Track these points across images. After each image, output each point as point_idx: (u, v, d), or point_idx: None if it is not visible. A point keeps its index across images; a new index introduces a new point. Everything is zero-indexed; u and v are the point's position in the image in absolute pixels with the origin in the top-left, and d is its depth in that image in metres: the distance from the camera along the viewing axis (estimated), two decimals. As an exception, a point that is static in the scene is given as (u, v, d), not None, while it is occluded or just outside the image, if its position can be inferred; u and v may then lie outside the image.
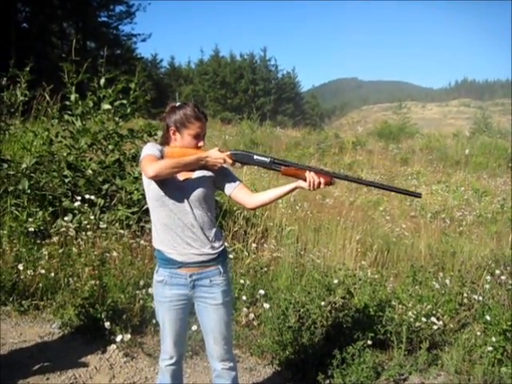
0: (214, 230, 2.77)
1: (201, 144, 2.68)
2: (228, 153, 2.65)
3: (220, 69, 57.63)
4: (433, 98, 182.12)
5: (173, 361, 2.90)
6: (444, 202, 10.41)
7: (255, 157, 2.67)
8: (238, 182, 2.77)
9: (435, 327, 4.43)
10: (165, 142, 2.78)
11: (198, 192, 2.66)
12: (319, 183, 2.57)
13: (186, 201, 2.65)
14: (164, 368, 2.92)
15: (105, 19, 39.89)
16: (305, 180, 2.59)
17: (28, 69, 7.48)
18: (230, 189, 2.76)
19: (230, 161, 2.63)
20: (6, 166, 6.07)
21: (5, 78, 7.58)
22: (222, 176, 2.75)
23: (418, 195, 2.85)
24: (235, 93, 56.43)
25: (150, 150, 2.63)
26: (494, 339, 4.24)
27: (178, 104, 2.74)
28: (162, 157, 2.61)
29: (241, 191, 2.75)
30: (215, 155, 2.60)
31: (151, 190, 2.66)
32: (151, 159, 2.53)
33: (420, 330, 4.38)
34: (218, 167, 2.67)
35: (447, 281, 5.20)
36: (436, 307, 4.75)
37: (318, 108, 78.31)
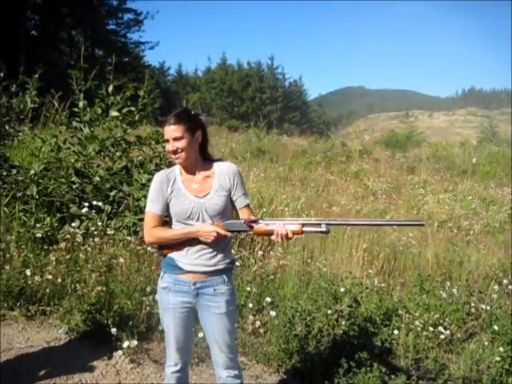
0: (228, 242, 2.82)
1: (169, 148, 2.67)
2: (220, 224, 2.68)
3: (227, 77, 57.81)
4: (440, 107, 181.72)
5: (178, 367, 2.90)
6: (451, 211, 10.36)
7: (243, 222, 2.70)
8: (246, 203, 2.82)
9: (442, 336, 4.41)
10: None
11: (217, 206, 2.70)
12: (287, 235, 2.60)
13: (203, 217, 2.69)
14: (169, 375, 2.92)
15: (113, 27, 40.20)
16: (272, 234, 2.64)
17: (37, 76, 7.56)
18: (238, 206, 2.81)
19: (223, 233, 2.65)
20: (14, 171, 6.11)
21: (14, 85, 7.64)
22: (237, 189, 2.78)
23: (421, 224, 2.83)
24: (242, 101, 56.57)
25: (150, 203, 2.76)
26: (501, 349, 4.22)
27: None
28: (166, 202, 2.72)
29: (244, 213, 2.81)
30: (206, 230, 2.64)
31: (170, 207, 2.73)
32: (149, 223, 2.74)
33: (427, 340, 4.36)
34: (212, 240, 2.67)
35: (454, 290, 5.18)
36: (443, 316, 4.73)
37: (325, 116, 78.37)
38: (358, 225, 2.90)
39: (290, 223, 2.63)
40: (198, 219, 2.69)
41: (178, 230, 2.70)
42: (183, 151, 2.66)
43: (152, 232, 2.70)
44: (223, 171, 2.77)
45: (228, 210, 2.79)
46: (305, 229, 2.61)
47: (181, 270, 2.73)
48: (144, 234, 2.75)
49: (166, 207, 2.73)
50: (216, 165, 2.80)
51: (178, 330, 2.82)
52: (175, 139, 2.65)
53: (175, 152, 2.66)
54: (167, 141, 2.68)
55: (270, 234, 2.65)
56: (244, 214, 2.79)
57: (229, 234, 2.68)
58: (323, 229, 2.58)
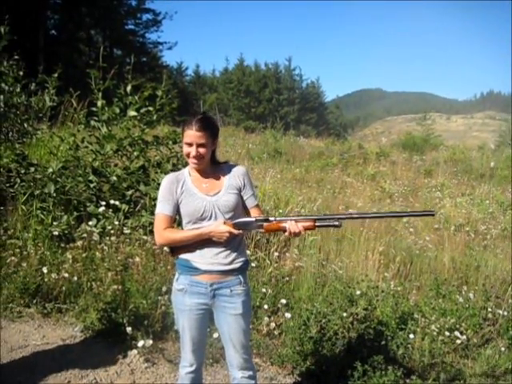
0: (242, 240, 2.83)
1: (193, 153, 2.66)
2: (231, 223, 2.68)
3: (244, 77, 57.81)
4: (458, 110, 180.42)
5: (193, 368, 2.91)
6: (468, 215, 10.26)
7: (256, 219, 2.72)
8: (256, 203, 2.87)
9: (458, 341, 4.37)
10: None
11: (229, 203, 2.72)
12: (299, 231, 2.61)
13: (219, 214, 2.71)
14: (184, 375, 2.93)
15: (132, 27, 40.45)
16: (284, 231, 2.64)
17: (56, 75, 7.63)
18: (248, 205, 2.84)
19: (236, 232, 2.66)
20: (32, 169, 6.16)
21: (34, 84, 7.72)
22: (247, 189, 2.82)
23: (431, 214, 2.79)
24: (259, 102, 56.54)
25: (161, 204, 2.75)
26: (518, 355, 4.17)
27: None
28: (176, 203, 2.73)
29: (255, 213, 2.83)
30: (219, 230, 2.63)
31: (182, 208, 2.73)
32: (159, 225, 2.71)
33: (443, 344, 4.32)
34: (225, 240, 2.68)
35: (471, 295, 5.12)
36: (459, 321, 4.68)
37: (342, 118, 78.19)
38: (368, 217, 2.89)
39: (301, 219, 2.64)
40: (210, 218, 2.70)
41: (190, 231, 2.69)
42: (204, 157, 2.68)
43: (163, 234, 2.69)
44: (233, 172, 2.81)
45: (239, 208, 2.81)
46: (317, 224, 2.63)
47: (197, 271, 2.73)
48: (155, 236, 2.74)
49: (177, 209, 2.73)
50: (225, 166, 2.85)
51: (194, 332, 2.83)
52: (200, 145, 2.66)
53: (197, 157, 2.67)
54: (189, 144, 2.66)
55: (282, 230, 2.67)
56: (254, 214, 2.82)
57: (241, 232, 2.69)
58: (335, 222, 2.59)
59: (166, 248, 4.41)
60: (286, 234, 2.64)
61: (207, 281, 2.74)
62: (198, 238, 2.66)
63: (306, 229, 2.63)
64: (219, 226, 2.64)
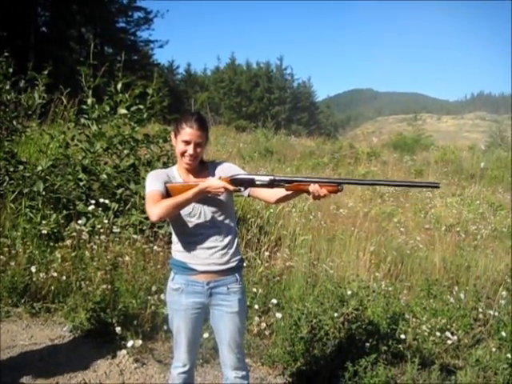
0: (235, 238, 2.80)
1: (190, 152, 2.63)
2: (227, 179, 2.62)
3: (236, 76, 57.83)
4: (448, 111, 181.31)
5: (186, 368, 2.89)
6: (459, 215, 10.30)
7: (256, 178, 2.64)
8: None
9: (449, 342, 4.37)
10: None
11: (218, 201, 2.69)
12: (324, 194, 2.54)
13: (206, 211, 2.69)
14: (176, 375, 2.91)
15: (123, 25, 40.29)
16: (309, 193, 2.57)
17: (46, 72, 7.55)
18: (248, 189, 2.74)
19: (231, 188, 2.60)
20: (21, 167, 6.10)
21: (23, 81, 7.65)
22: (239, 174, 2.71)
23: (436, 185, 2.68)
24: (250, 101, 56.56)
25: (152, 185, 2.65)
26: (509, 356, 4.19)
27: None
28: (166, 188, 2.63)
29: (261, 189, 2.72)
30: (215, 184, 2.56)
31: None
32: (154, 199, 2.56)
33: (434, 345, 4.31)
34: (220, 195, 2.64)
35: (462, 295, 5.13)
36: (450, 322, 4.69)
37: (333, 118, 78.43)
38: (372, 184, 2.83)
39: (323, 183, 2.57)
40: (199, 216, 2.68)
41: (187, 192, 2.55)
42: (198, 156, 2.67)
43: (159, 204, 2.52)
44: (218, 168, 2.78)
45: (229, 207, 2.79)
46: (339, 187, 2.57)
47: (194, 271, 2.71)
48: (150, 210, 2.53)
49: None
50: (211, 165, 2.82)
51: (189, 332, 2.81)
52: (197, 144, 2.64)
53: (193, 156, 2.64)
54: (186, 142, 2.63)
55: (303, 191, 2.61)
56: (260, 190, 2.73)
57: (238, 188, 2.64)
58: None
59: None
60: (310, 196, 2.59)
61: (204, 280, 2.72)
62: (196, 195, 2.56)
63: (331, 192, 2.56)
64: (214, 181, 2.57)
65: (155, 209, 2.51)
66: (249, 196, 2.79)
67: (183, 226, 2.70)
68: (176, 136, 2.68)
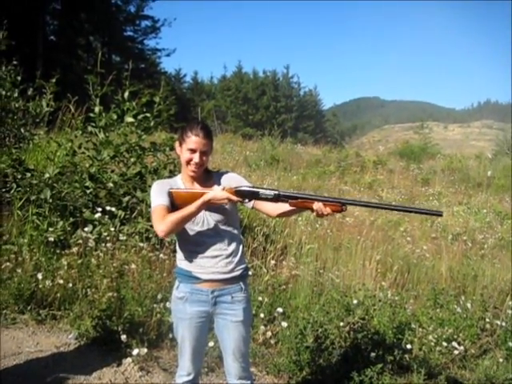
0: (239, 247, 2.79)
1: (196, 160, 2.64)
2: (232, 190, 2.64)
3: (242, 85, 57.87)
4: (455, 119, 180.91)
5: (190, 377, 2.88)
6: (465, 224, 10.27)
7: (260, 192, 2.66)
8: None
9: (456, 352, 4.34)
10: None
11: (222, 211, 2.70)
12: (327, 213, 2.57)
13: (211, 222, 2.69)
14: (181, 384, 2.89)
15: (130, 34, 40.43)
16: (312, 211, 2.59)
17: (54, 80, 7.60)
18: (252, 201, 2.76)
19: (235, 199, 2.62)
20: (29, 175, 6.13)
21: (31, 89, 7.70)
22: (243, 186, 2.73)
23: (439, 214, 2.73)
24: (257, 109, 56.57)
25: (156, 199, 2.66)
26: (516, 366, 4.15)
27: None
28: (170, 194, 2.65)
29: (263, 202, 2.74)
30: (219, 196, 2.58)
31: None
32: (160, 214, 2.57)
33: (440, 355, 4.29)
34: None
35: (469, 305, 5.11)
36: (457, 332, 4.66)
37: (339, 126, 78.39)
38: (375, 207, 2.83)
39: (327, 202, 2.59)
40: (203, 224, 2.68)
41: (190, 206, 2.56)
42: (203, 165, 2.69)
43: (165, 219, 2.54)
44: (223, 178, 2.79)
45: (233, 215, 2.80)
46: (343, 207, 2.59)
47: (198, 280, 2.71)
48: (157, 227, 2.56)
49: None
50: (215, 174, 2.83)
51: (194, 340, 2.80)
52: (203, 153, 2.65)
53: (199, 165, 2.65)
54: (192, 151, 2.64)
55: (307, 208, 2.62)
56: (263, 203, 2.75)
57: (241, 200, 2.66)
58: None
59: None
60: (314, 214, 2.61)
61: (208, 288, 2.72)
62: (200, 207, 2.57)
63: (334, 211, 2.59)
64: (218, 193, 2.59)
65: (161, 225, 2.53)
66: (252, 208, 2.81)
67: (187, 234, 2.70)
68: (181, 144, 2.69)
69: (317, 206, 2.56)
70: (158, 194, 2.68)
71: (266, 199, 2.67)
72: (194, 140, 2.63)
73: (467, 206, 12.57)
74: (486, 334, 4.87)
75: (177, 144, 2.75)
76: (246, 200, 2.68)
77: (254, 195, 2.66)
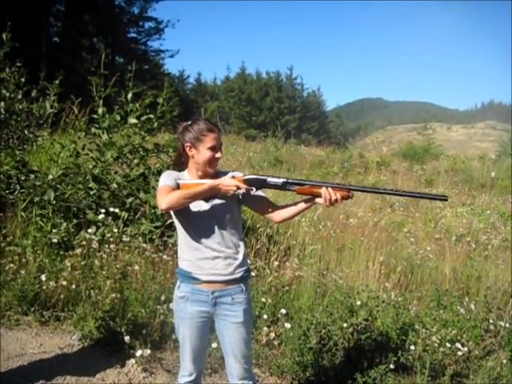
0: (241, 249, 2.79)
1: (218, 155, 2.68)
2: (241, 178, 2.66)
3: (246, 86, 57.89)
4: (458, 120, 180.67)
5: (192, 378, 2.88)
6: (469, 225, 10.24)
7: (268, 179, 2.68)
8: (263, 198, 2.80)
9: (460, 353, 4.32)
10: (182, 160, 2.81)
11: (225, 213, 2.70)
12: (336, 199, 2.56)
13: (213, 223, 2.69)
14: (183, 385, 2.89)
15: (134, 35, 40.58)
16: (321, 197, 2.58)
17: (58, 82, 7.61)
18: (257, 205, 2.80)
19: (243, 187, 2.63)
20: (32, 176, 6.15)
21: (35, 91, 7.72)
22: (247, 192, 2.74)
23: (444, 198, 2.68)
24: (260, 110, 56.57)
25: (165, 180, 2.66)
26: (520, 368, 4.13)
27: (188, 122, 2.74)
28: (178, 187, 2.65)
29: (266, 206, 2.79)
30: (228, 183, 2.59)
31: (179, 215, 2.70)
32: (165, 191, 2.57)
33: (444, 356, 4.28)
34: (232, 194, 2.66)
35: (472, 306, 5.09)
36: (461, 333, 4.65)
37: (343, 127, 78.35)
38: (381, 193, 2.83)
39: (335, 187, 2.59)
40: (204, 226, 2.69)
41: (199, 186, 2.57)
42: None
43: (170, 193, 2.55)
44: (231, 174, 2.78)
45: (236, 219, 2.79)
46: (350, 193, 2.59)
47: (198, 280, 2.71)
48: (160, 200, 2.54)
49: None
50: (222, 173, 2.81)
51: (195, 340, 2.81)
52: (221, 145, 2.71)
53: (218, 159, 2.69)
54: (213, 148, 2.66)
55: (315, 195, 2.62)
56: (266, 207, 2.79)
57: (250, 188, 2.67)
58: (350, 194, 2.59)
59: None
60: (320, 201, 2.60)
61: (209, 288, 2.72)
62: (207, 190, 2.57)
63: (342, 197, 2.58)
64: (227, 180, 2.61)
65: (165, 199, 2.52)
66: (255, 212, 2.82)
67: (188, 235, 2.71)
68: (195, 146, 2.67)
69: (325, 190, 2.56)
70: (166, 178, 2.69)
71: (275, 187, 2.69)
72: (213, 137, 2.65)
73: (471, 207, 12.54)
74: (490, 335, 4.85)
75: (187, 146, 2.71)
76: (254, 189, 2.68)
77: (261, 183, 2.68)
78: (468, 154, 27.17)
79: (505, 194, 15.68)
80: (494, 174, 18.12)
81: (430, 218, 10.47)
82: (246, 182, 2.64)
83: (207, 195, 2.60)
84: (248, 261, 2.96)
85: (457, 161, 21.31)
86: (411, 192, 2.82)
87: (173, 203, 2.52)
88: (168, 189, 2.58)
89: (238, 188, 2.61)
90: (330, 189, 2.56)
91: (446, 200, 2.71)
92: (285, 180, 2.66)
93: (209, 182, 2.59)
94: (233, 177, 2.64)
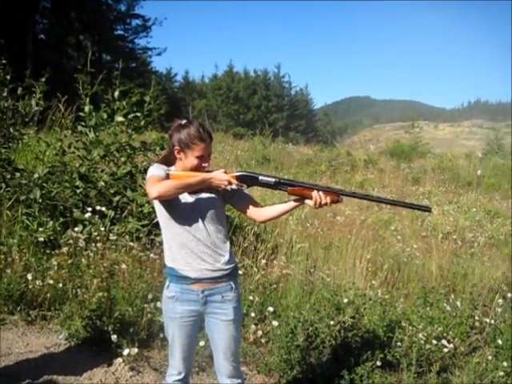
0: (226, 244, 2.79)
1: (205, 165, 2.67)
2: (233, 174, 2.65)
3: (233, 84, 57.84)
4: (445, 119, 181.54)
5: (181, 376, 2.88)
6: (455, 223, 10.32)
7: (260, 178, 2.69)
8: (246, 196, 2.81)
9: (446, 350, 4.36)
10: (170, 159, 2.79)
11: (210, 208, 2.69)
12: (326, 203, 2.59)
13: (198, 217, 2.67)
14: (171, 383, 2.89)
15: (121, 32, 40.38)
16: (311, 199, 2.60)
17: (44, 79, 7.55)
18: (239, 203, 2.81)
19: (235, 182, 2.63)
20: (18, 174, 6.10)
21: (21, 88, 7.65)
22: (231, 190, 2.76)
23: (428, 209, 2.78)
24: (248, 108, 56.56)
25: (155, 171, 2.64)
26: (505, 364, 4.18)
27: (183, 122, 2.72)
28: (168, 177, 2.63)
29: (250, 205, 2.79)
30: (220, 177, 2.60)
31: (164, 209, 2.68)
32: (156, 180, 2.55)
33: (430, 353, 4.31)
34: (222, 188, 2.66)
35: (458, 303, 5.13)
36: (447, 330, 4.69)
37: (331, 125, 78.53)
38: (368, 200, 2.85)
39: (326, 191, 2.62)
40: (190, 223, 2.67)
41: (190, 178, 2.57)
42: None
43: (162, 183, 2.53)
44: None
45: (221, 215, 2.80)
46: (340, 198, 2.63)
47: (187, 280, 2.71)
48: (150, 188, 2.52)
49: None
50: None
51: (184, 339, 2.81)
52: (210, 154, 2.71)
53: (204, 168, 2.68)
54: (200, 157, 2.65)
55: (305, 197, 2.63)
56: (250, 206, 2.79)
57: (241, 185, 2.67)
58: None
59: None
60: (310, 203, 2.62)
61: (199, 288, 2.72)
62: (198, 182, 2.57)
63: (332, 202, 2.61)
64: (219, 174, 2.61)
65: (156, 186, 2.50)
66: (239, 210, 2.83)
67: (174, 230, 2.69)
68: (184, 150, 2.66)
69: (316, 193, 2.58)
70: (156, 169, 2.67)
71: (266, 185, 2.70)
72: (202, 147, 2.64)
73: (457, 205, 12.64)
74: (476, 332, 4.90)
75: (176, 149, 2.69)
76: (245, 186, 2.69)
77: (253, 180, 2.68)
78: (454, 153, 27.35)
79: (491, 192, 15.83)
80: (480, 172, 18.28)
81: (416, 215, 10.53)
82: (238, 178, 2.64)
83: (198, 188, 2.60)
84: (235, 259, 2.97)
85: (443, 159, 21.48)
86: (397, 201, 2.89)
87: (164, 192, 2.49)
88: (158, 179, 2.56)
89: (230, 183, 2.62)
90: (321, 192, 2.59)
91: (430, 211, 2.79)
92: (277, 179, 2.67)
93: (201, 175, 2.60)
94: (225, 172, 2.63)
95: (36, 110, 7.66)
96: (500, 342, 4.51)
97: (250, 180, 2.68)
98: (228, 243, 2.81)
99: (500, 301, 5.39)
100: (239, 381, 2.92)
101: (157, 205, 2.70)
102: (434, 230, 9.57)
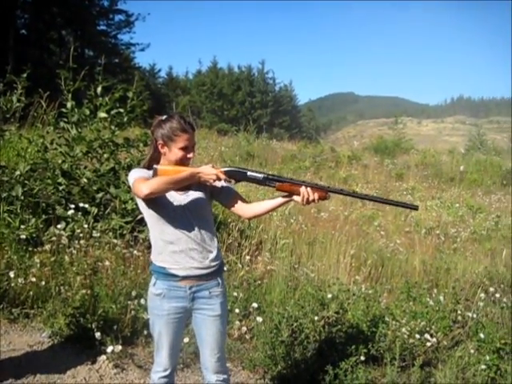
0: (214, 241, 2.79)
1: (190, 155, 2.66)
2: (221, 169, 2.64)
3: (217, 80, 57.74)
4: (428, 115, 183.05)
5: (167, 373, 2.88)
6: (438, 218, 10.40)
7: (249, 173, 2.68)
8: (233, 192, 2.80)
9: (429, 344, 4.41)
10: (154, 157, 2.77)
11: (197, 204, 2.69)
12: (313, 199, 2.58)
13: (186, 214, 2.67)
14: (157, 380, 2.89)
15: (104, 28, 40.06)
16: (299, 195, 2.60)
17: (25, 75, 7.45)
18: (226, 199, 2.80)
19: (223, 177, 2.63)
20: (0, 172, 6.02)
21: (1, 84, 7.56)
22: (217, 186, 2.75)
23: (415, 207, 2.81)
24: (232, 104, 56.51)
25: (139, 173, 2.64)
26: (487, 357, 4.22)
27: (163, 117, 2.71)
28: (155, 174, 2.63)
29: (236, 201, 2.79)
30: (208, 171, 2.59)
31: (151, 208, 2.66)
32: (143, 180, 2.54)
33: (413, 347, 4.35)
34: (211, 183, 2.66)
35: (441, 297, 5.17)
36: (430, 324, 4.72)
37: (315, 121, 78.69)
38: (356, 197, 2.87)
39: (314, 187, 2.62)
40: (178, 220, 2.66)
41: (179, 173, 2.55)
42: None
43: (152, 180, 2.52)
44: None
45: (208, 212, 2.80)
46: (328, 194, 2.62)
47: (175, 277, 2.70)
48: (140, 186, 2.48)
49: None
50: None
51: (171, 336, 2.80)
52: (194, 145, 2.70)
53: (189, 159, 2.67)
54: (184, 148, 2.64)
55: (294, 193, 2.63)
56: (237, 202, 2.79)
57: (229, 180, 2.67)
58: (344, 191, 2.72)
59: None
60: (298, 199, 2.61)
61: (186, 284, 2.72)
62: (187, 177, 2.56)
63: (320, 198, 2.61)
64: (208, 168, 2.60)
65: (146, 184, 2.48)
66: (225, 207, 2.83)
67: (162, 228, 2.68)
68: (167, 144, 2.65)
69: (304, 189, 2.58)
70: (139, 171, 2.67)
71: (254, 181, 2.70)
72: (185, 138, 2.63)
73: (440, 201, 12.73)
74: (458, 326, 4.95)
75: (159, 143, 2.68)
76: (233, 181, 2.69)
77: (242, 176, 2.68)
78: (438, 149, 27.55)
79: (473, 188, 15.98)
80: (463, 167, 18.45)
81: (399, 211, 10.59)
82: (226, 173, 2.64)
83: (187, 183, 2.59)
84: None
85: (427, 155, 21.61)
86: (386, 199, 2.89)
87: (155, 188, 2.47)
88: (144, 179, 2.55)
89: (218, 178, 2.61)
90: (308, 188, 2.59)
91: (417, 209, 2.81)
92: (265, 175, 2.67)
93: (189, 169, 2.59)
94: (213, 166, 2.63)
95: (17, 106, 7.56)
96: (482, 335, 4.55)
97: (238, 175, 2.68)
98: (215, 239, 2.81)
99: (482, 295, 5.45)
100: (225, 376, 2.93)
101: (143, 204, 2.67)
102: (417, 225, 9.64)
